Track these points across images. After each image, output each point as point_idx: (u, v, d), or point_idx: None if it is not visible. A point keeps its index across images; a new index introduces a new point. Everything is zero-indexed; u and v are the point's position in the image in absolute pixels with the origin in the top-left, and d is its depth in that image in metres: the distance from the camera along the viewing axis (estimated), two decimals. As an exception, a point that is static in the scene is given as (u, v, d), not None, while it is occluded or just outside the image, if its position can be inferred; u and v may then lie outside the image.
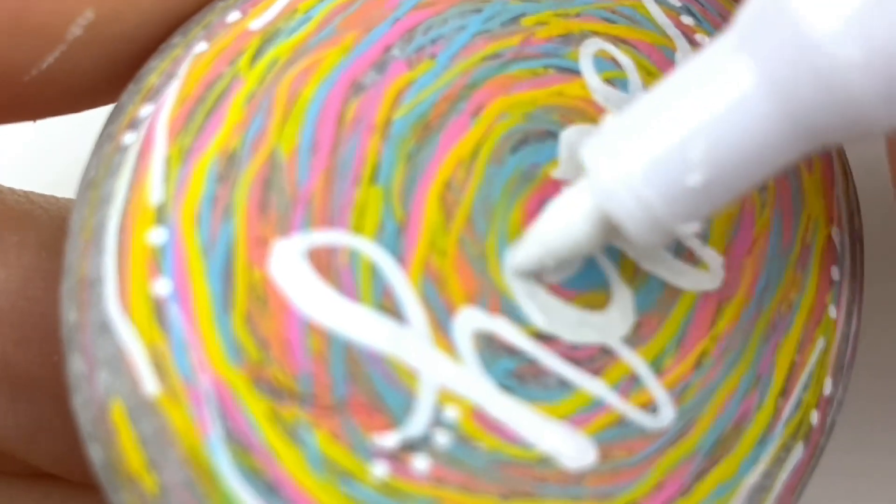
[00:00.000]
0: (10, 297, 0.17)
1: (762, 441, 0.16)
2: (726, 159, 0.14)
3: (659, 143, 0.14)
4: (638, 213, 0.14)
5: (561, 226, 0.15)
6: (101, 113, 0.16)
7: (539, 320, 0.15)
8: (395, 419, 0.14)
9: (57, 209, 0.18)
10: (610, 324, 0.15)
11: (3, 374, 0.17)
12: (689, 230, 0.14)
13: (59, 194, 0.18)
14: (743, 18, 0.14)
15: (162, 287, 0.14)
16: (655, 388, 0.15)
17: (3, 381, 0.17)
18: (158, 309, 0.14)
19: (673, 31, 0.17)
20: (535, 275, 0.15)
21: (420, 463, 0.14)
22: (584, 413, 0.15)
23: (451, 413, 0.14)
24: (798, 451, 0.16)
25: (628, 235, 0.14)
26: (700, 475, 0.15)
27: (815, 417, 0.16)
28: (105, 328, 0.14)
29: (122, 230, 0.14)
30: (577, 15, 0.17)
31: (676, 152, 0.14)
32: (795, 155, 0.14)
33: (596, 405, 0.15)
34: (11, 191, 0.18)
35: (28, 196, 0.18)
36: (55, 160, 0.25)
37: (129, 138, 0.15)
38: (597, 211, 0.14)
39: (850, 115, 0.13)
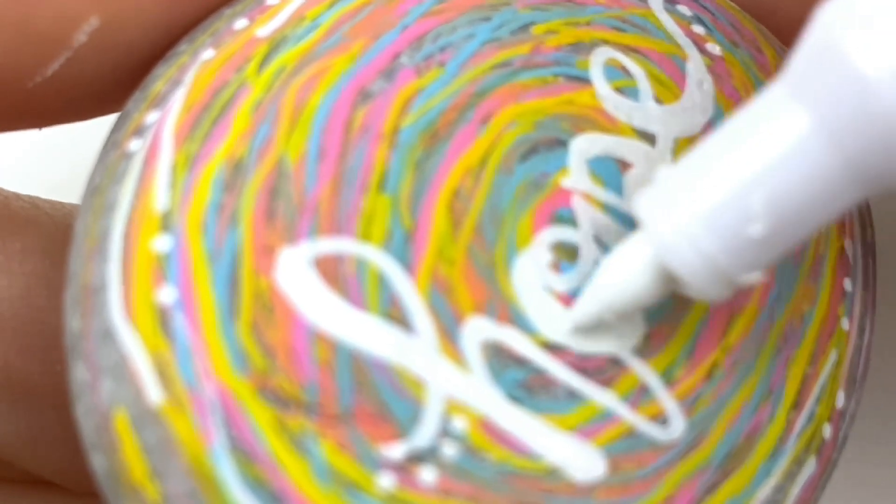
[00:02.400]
0: (13, 305, 0.17)
1: (774, 455, 0.16)
2: (787, 208, 0.14)
3: (717, 195, 0.14)
4: (699, 266, 0.14)
5: (619, 281, 0.15)
6: (108, 116, 0.16)
7: (548, 330, 0.15)
8: (401, 429, 0.14)
9: (62, 215, 0.18)
10: (620, 334, 0.15)
11: (4, 382, 0.17)
12: (751, 279, 0.14)
13: (64, 199, 0.18)
14: (795, 65, 0.14)
15: (167, 295, 0.14)
16: (666, 400, 0.15)
17: (4, 389, 0.17)
18: (163, 317, 0.14)
19: (684, 41, 0.17)
20: (545, 285, 0.15)
21: (427, 474, 0.14)
22: (593, 424, 0.15)
23: (459, 424, 0.14)
24: (810, 466, 0.16)
25: (689, 288, 0.14)
26: (711, 489, 0.15)
27: (827, 431, 0.16)
28: (109, 336, 0.14)
29: (127, 237, 0.14)
30: (588, 24, 0.16)
31: (736, 203, 0.14)
32: (856, 199, 0.14)
33: (605, 417, 0.15)
34: (16, 196, 0.18)
35: (33, 201, 0.18)
36: (61, 164, 0.25)
37: (135, 145, 0.15)
38: (656, 264, 0.14)
39: None
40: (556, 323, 0.15)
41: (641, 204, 0.14)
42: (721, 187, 0.14)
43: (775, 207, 0.14)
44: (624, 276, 0.15)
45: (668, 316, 0.15)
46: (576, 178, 0.16)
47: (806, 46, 0.13)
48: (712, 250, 0.14)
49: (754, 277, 0.14)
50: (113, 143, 0.15)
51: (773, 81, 0.14)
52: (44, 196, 0.18)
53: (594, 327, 0.15)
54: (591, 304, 0.15)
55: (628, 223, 0.15)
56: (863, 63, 0.13)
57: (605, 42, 0.16)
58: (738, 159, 0.14)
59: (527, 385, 0.15)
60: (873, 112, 0.13)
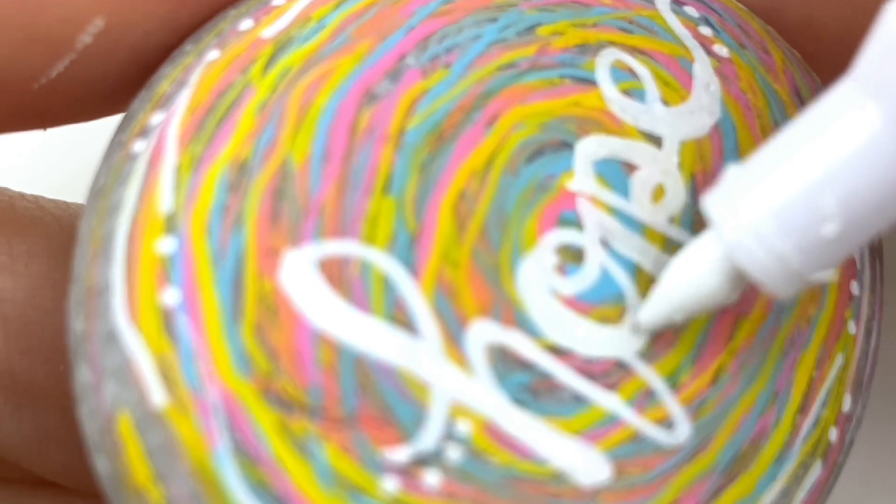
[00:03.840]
0: (18, 306, 0.17)
1: (780, 459, 0.16)
2: (861, 206, 0.13)
3: (788, 193, 0.14)
4: (771, 266, 0.14)
5: (689, 281, 0.15)
6: (113, 116, 0.16)
7: (553, 333, 0.15)
8: (406, 433, 0.14)
9: (67, 215, 0.18)
10: (625, 338, 0.15)
11: (8, 383, 0.17)
12: (824, 278, 0.14)
13: (69, 199, 0.18)
14: (866, 61, 0.14)
15: (171, 297, 0.14)
16: (671, 404, 0.15)
17: (9, 390, 0.17)
18: (167, 319, 0.14)
19: (691, 42, 0.17)
20: (551, 288, 0.15)
21: (431, 478, 0.14)
22: (598, 428, 0.15)
23: (464, 427, 0.14)
24: (816, 469, 0.16)
25: (761, 288, 0.14)
26: (716, 493, 0.15)
27: (833, 435, 0.16)
28: (112, 338, 0.14)
29: (131, 239, 0.14)
30: (594, 25, 0.16)
31: (808, 201, 0.14)
32: None
33: (611, 420, 0.15)
34: (21, 196, 0.18)
35: (38, 201, 0.18)
36: (66, 164, 0.25)
37: (140, 146, 0.15)
38: (726, 264, 0.14)
39: None
40: (562, 326, 0.15)
41: (710, 203, 0.14)
42: (792, 185, 0.14)
43: (849, 206, 0.13)
44: (694, 276, 0.15)
45: (673, 319, 0.15)
46: (582, 180, 0.15)
47: (875, 42, 0.13)
48: (784, 249, 0.14)
49: (827, 276, 0.14)
50: (117, 144, 0.15)
51: (842, 78, 0.14)
52: (49, 196, 0.18)
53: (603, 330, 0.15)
54: (660, 305, 0.15)
55: (634, 226, 0.15)
56: None
57: (612, 43, 0.16)
58: (809, 156, 0.14)
59: (532, 388, 0.15)
60: None
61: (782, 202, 0.14)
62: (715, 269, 0.14)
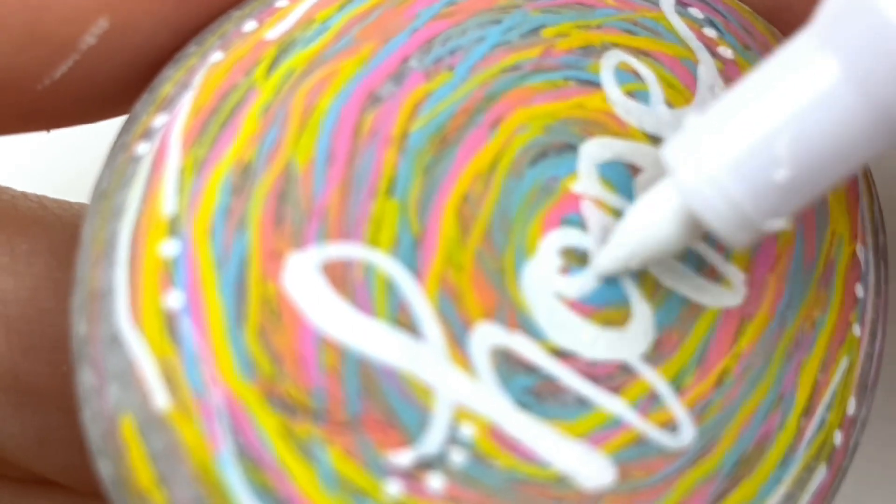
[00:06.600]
0: (20, 307, 0.17)
1: (784, 462, 0.15)
2: (813, 153, 0.14)
3: (744, 140, 0.14)
4: (725, 211, 0.14)
5: (646, 227, 0.15)
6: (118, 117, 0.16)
7: (557, 336, 0.15)
8: (409, 436, 0.14)
9: (70, 215, 0.18)
10: (629, 341, 0.15)
11: (10, 384, 0.17)
12: (776, 226, 0.14)
13: (73, 199, 0.18)
14: (824, 14, 0.14)
15: (174, 300, 0.14)
16: (675, 407, 0.15)
17: (10, 390, 0.17)
18: (170, 322, 0.14)
19: (695, 44, 0.17)
20: (555, 291, 0.15)
21: (435, 481, 0.14)
22: (602, 432, 0.15)
23: (467, 431, 0.14)
24: (821, 473, 0.16)
25: (716, 234, 0.14)
26: (721, 496, 0.15)
27: (838, 438, 0.16)
28: (116, 341, 0.14)
29: (135, 242, 0.14)
30: (599, 27, 0.16)
31: (762, 148, 0.14)
32: (881, 148, 0.14)
33: (615, 424, 0.15)
34: (24, 195, 0.18)
35: (41, 201, 0.18)
36: (69, 163, 0.24)
37: (143, 149, 0.15)
38: (682, 210, 0.14)
39: None
40: (566, 329, 0.15)
41: (668, 150, 0.14)
42: (747, 133, 0.14)
43: (800, 152, 0.14)
44: (650, 222, 0.15)
45: (678, 322, 0.15)
46: (586, 182, 0.15)
47: None
48: (737, 196, 0.14)
49: (778, 224, 0.14)
50: (121, 147, 0.15)
51: (801, 31, 0.14)
52: (52, 196, 0.18)
53: (603, 332, 0.15)
54: (617, 250, 0.15)
55: (638, 228, 0.15)
56: (892, 12, 0.13)
57: (616, 45, 0.16)
58: (766, 106, 0.14)
59: (535, 392, 0.14)
60: None
61: (736, 149, 0.14)
62: (671, 215, 0.15)
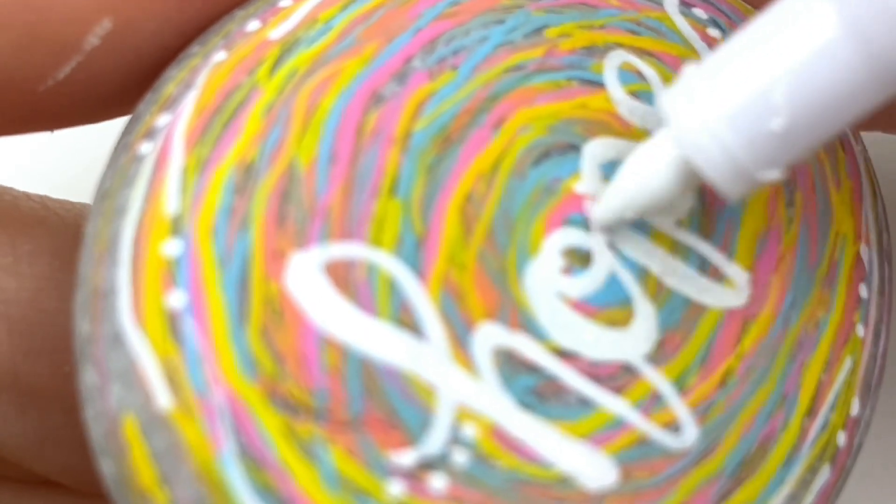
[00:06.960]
0: (22, 307, 0.17)
1: (788, 462, 0.15)
2: (809, 103, 0.14)
3: (741, 90, 0.14)
4: (720, 160, 0.14)
5: (642, 177, 0.15)
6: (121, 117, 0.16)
7: (560, 337, 0.15)
8: (412, 436, 0.14)
9: (72, 215, 0.18)
10: (632, 341, 0.15)
11: (12, 384, 0.17)
12: (770, 177, 0.14)
13: (75, 199, 0.18)
14: None
15: (176, 299, 0.14)
16: (678, 408, 0.15)
17: (12, 391, 0.17)
18: (173, 321, 0.14)
19: (699, 44, 0.17)
20: (557, 291, 0.15)
21: (437, 482, 0.14)
22: (605, 432, 0.15)
23: (470, 431, 0.14)
24: (824, 473, 0.16)
25: (711, 183, 0.14)
26: (724, 497, 0.15)
27: (841, 438, 0.16)
28: (118, 340, 0.14)
29: (137, 241, 0.14)
30: (602, 27, 0.16)
31: (759, 97, 0.14)
32: (878, 100, 0.14)
33: (617, 424, 0.15)
34: (27, 196, 0.18)
35: (43, 201, 0.18)
36: (71, 164, 0.24)
37: (146, 148, 0.15)
38: (678, 160, 0.14)
39: None
40: (568, 329, 0.15)
41: (666, 100, 0.15)
42: (745, 83, 0.14)
43: (797, 101, 0.14)
44: (647, 171, 0.15)
45: (681, 323, 0.15)
46: (588, 182, 0.15)
47: None
48: (733, 144, 0.14)
49: (774, 175, 0.14)
50: (124, 146, 0.15)
51: None
52: (54, 196, 0.18)
53: (607, 331, 0.15)
54: (613, 200, 0.15)
55: (641, 229, 0.15)
56: None
57: (620, 45, 0.16)
58: (763, 55, 0.14)
59: (538, 392, 0.14)
60: None
61: (734, 98, 0.14)
62: (668, 165, 0.15)
